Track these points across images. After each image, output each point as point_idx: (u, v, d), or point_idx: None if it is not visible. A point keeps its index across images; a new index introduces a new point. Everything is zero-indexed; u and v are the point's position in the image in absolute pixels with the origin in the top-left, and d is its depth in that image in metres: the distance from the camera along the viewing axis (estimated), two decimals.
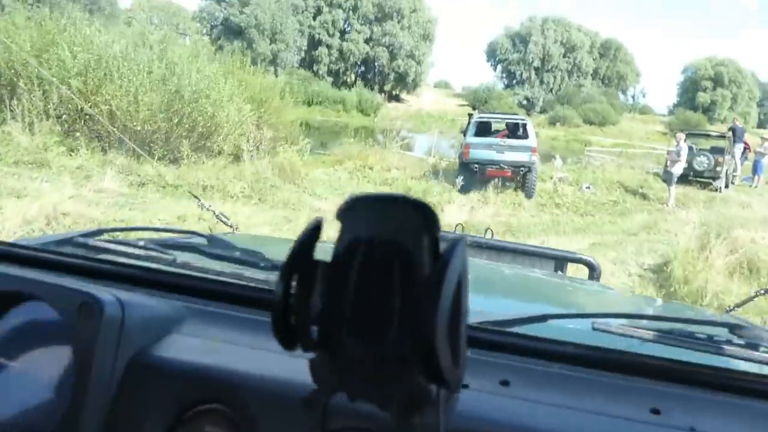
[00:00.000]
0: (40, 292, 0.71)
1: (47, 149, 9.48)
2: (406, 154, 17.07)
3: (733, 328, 1.04)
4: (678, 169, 12.96)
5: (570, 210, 12.33)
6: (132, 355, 0.71)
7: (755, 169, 16.69)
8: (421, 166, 14.36)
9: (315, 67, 51.70)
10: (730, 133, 15.51)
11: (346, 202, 0.42)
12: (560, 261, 2.40)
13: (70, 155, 9.72)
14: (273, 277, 0.97)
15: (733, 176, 15.97)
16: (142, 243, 1.16)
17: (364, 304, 0.41)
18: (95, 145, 10.25)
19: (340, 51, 51.53)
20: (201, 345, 0.75)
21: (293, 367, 0.62)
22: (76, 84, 9.90)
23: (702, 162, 14.78)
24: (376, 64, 53.07)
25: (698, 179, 15.14)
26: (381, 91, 53.44)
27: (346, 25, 52.22)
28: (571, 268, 2.58)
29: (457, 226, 3.02)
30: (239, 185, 10.06)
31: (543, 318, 0.98)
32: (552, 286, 1.86)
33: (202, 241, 1.29)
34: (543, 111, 55.31)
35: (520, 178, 12.32)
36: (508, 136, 12.74)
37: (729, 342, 0.92)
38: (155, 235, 1.46)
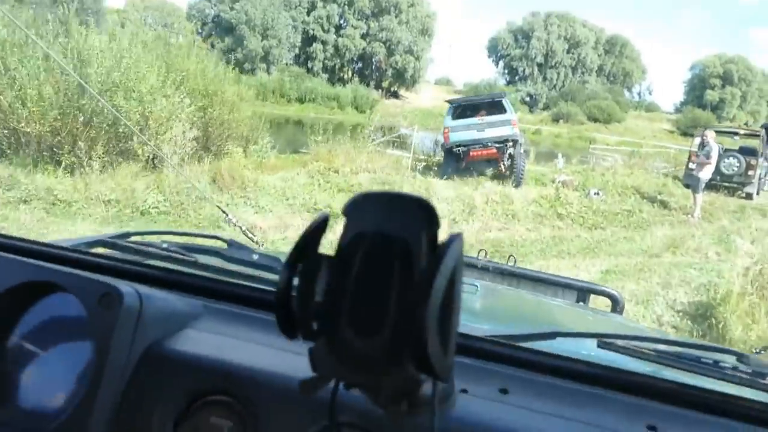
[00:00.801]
0: (65, 282, 0.74)
1: None
2: (387, 152, 14.82)
3: (741, 356, 1.02)
4: (707, 174, 10.58)
5: (575, 222, 10.00)
6: (147, 346, 0.72)
7: None
8: (398, 166, 12.07)
9: (310, 64, 49.44)
10: (763, 132, 13.08)
11: (352, 198, 0.43)
12: (582, 292, 2.28)
13: None
14: None
15: (765, 181, 13.61)
16: (165, 245, 1.18)
17: (364, 297, 0.42)
18: None
19: (336, 47, 49.21)
20: (213, 340, 0.76)
21: (301, 365, 0.61)
22: None
23: (731, 165, 12.41)
24: (373, 60, 50.71)
25: (725, 184, 12.79)
26: (378, 87, 51.13)
27: (341, 21, 49.86)
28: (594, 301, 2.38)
29: (480, 251, 2.56)
30: (153, 198, 7.81)
31: (551, 335, 0.98)
32: (570, 312, 1.80)
33: (222, 245, 1.31)
34: (546, 108, 53.18)
35: (507, 160, 11.73)
36: (487, 115, 12.03)
37: (735, 369, 0.92)
38: (179, 239, 1.47)
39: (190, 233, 1.74)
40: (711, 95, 55.50)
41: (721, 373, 0.89)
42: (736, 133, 14.60)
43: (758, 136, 13.09)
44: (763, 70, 59.51)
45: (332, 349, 0.43)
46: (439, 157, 13.85)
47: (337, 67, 50.26)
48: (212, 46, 47.74)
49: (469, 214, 9.51)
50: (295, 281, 0.44)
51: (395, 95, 52.14)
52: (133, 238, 1.27)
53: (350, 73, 51.58)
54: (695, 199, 10.92)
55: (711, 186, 12.77)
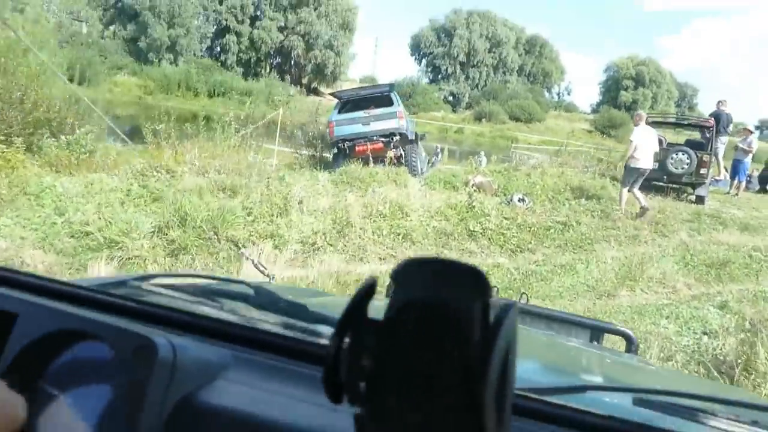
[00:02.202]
0: (100, 331, 0.71)
1: None
2: (267, 147, 11.38)
3: None
4: (644, 164, 8.25)
5: (494, 242, 6.93)
6: (179, 399, 0.69)
7: (735, 171, 11.89)
8: (263, 165, 8.65)
9: (223, 57, 45.02)
10: (713, 122, 10.56)
11: (401, 263, 0.41)
12: (596, 331, 2.17)
13: None
14: (318, 329, 0.96)
15: (714, 181, 11.14)
16: (191, 289, 1.15)
17: (414, 365, 0.39)
18: None
19: (251, 39, 44.98)
20: (246, 393, 0.72)
21: (336, 422, 0.62)
22: None
23: (680, 161, 9.76)
24: (292, 54, 46.80)
25: (673, 185, 10.16)
26: (298, 83, 47.30)
27: (257, 12, 45.62)
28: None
29: (522, 295, 2.52)
30: None
31: (582, 389, 0.94)
32: (589, 356, 1.69)
33: (248, 290, 1.21)
34: (469, 107, 51.02)
35: (396, 152, 10.26)
36: (375, 108, 10.74)
37: None
38: (203, 282, 1.41)
39: (214, 277, 1.54)
40: (625, 96, 55.20)
41: None
42: (680, 124, 12.04)
43: (708, 127, 10.54)
44: (671, 72, 60.33)
45: (379, 416, 0.40)
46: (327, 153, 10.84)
47: (252, 60, 46.05)
48: (114, 34, 42.60)
49: (340, 235, 6.24)
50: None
51: (316, 92, 48.48)
52: (157, 281, 1.21)
53: (268, 67, 47.47)
54: (639, 200, 8.34)
55: (657, 188, 10.11)
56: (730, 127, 11.07)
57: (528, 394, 0.79)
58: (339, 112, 10.83)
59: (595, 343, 2.14)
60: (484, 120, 45.60)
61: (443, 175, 9.62)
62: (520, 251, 6.82)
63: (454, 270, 0.39)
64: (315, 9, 45.71)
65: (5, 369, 0.71)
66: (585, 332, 2.16)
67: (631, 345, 2.13)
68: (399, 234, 6.52)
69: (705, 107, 58.92)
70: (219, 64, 43.72)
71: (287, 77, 46.94)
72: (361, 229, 6.41)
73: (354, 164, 9.28)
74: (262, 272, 2.33)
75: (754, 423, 0.86)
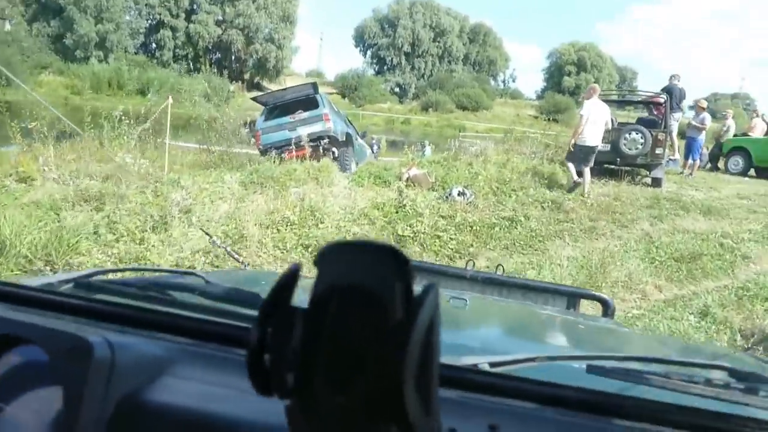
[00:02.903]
0: (31, 335, 0.69)
1: None
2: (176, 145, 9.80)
3: (733, 372, 0.97)
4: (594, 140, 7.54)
5: (428, 248, 5.64)
6: (121, 398, 0.67)
7: (689, 150, 10.96)
8: (150, 168, 7.13)
9: (159, 53, 42.42)
10: (666, 97, 9.58)
11: (322, 248, 0.41)
12: (572, 297, 2.15)
13: None
14: None
15: (670, 161, 10.16)
16: (140, 283, 1.09)
17: (338, 352, 0.39)
18: None
19: (187, 34, 42.53)
20: (193, 388, 0.70)
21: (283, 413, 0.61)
22: None
23: (634, 141, 8.69)
24: (232, 48, 44.53)
25: (626, 168, 9.13)
26: (239, 79, 45.12)
27: (192, 5, 43.12)
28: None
29: (468, 261, 2.42)
30: None
31: (536, 359, 0.92)
32: (559, 324, 1.68)
33: (199, 280, 1.19)
34: (416, 97, 49.93)
35: (325, 152, 9.43)
36: (304, 111, 9.88)
37: (727, 386, 0.86)
38: (153, 276, 1.39)
39: (163, 269, 1.64)
40: (568, 81, 55.17)
41: (714, 391, 0.82)
42: (629, 102, 11.00)
43: (661, 104, 9.55)
44: (611, 57, 60.88)
45: (308, 405, 0.40)
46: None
47: (190, 56, 43.56)
48: (39, 32, 39.42)
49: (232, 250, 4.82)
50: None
51: (258, 87, 46.37)
52: (103, 276, 1.18)
53: (207, 63, 45.04)
54: (584, 183, 7.35)
55: (610, 172, 9.07)
56: (683, 103, 10.14)
57: (488, 368, 0.81)
58: (265, 119, 9.97)
59: (572, 309, 2.10)
60: (431, 110, 44.66)
61: (375, 169, 8.29)
62: (460, 256, 5.57)
63: (374, 252, 0.39)
64: (254, 1, 43.56)
65: None
66: (562, 299, 2.12)
67: (607, 309, 2.08)
68: (308, 246, 5.14)
69: (646, 89, 59.76)
70: (155, 60, 41.16)
71: (228, 73, 44.70)
72: (259, 242, 5.02)
73: (268, 161, 7.86)
74: (236, 260, 2.28)
75: (708, 381, 0.84)
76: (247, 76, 46.49)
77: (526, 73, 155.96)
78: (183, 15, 42.51)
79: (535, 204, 7.24)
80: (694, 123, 10.79)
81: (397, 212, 6.16)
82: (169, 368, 0.72)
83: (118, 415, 0.64)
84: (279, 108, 10.17)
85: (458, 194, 7.14)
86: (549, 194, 7.61)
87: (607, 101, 11.07)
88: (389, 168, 8.20)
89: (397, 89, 51.91)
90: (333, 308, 0.39)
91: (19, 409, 0.68)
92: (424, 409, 0.37)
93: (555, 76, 57.74)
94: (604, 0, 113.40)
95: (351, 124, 12.98)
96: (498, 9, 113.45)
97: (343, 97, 47.29)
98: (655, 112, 10.40)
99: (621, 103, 11.78)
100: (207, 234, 2.72)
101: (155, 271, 1.72)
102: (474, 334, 1.33)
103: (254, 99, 11.57)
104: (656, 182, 8.94)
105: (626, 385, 0.84)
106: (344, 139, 10.07)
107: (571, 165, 7.77)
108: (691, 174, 10.82)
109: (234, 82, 42.80)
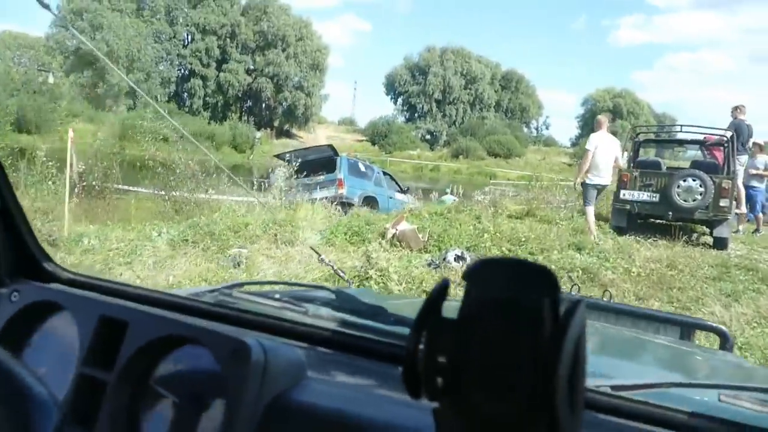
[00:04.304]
0: (200, 336, 0.73)
1: None
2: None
3: None
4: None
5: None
6: (271, 398, 0.70)
7: (750, 201, 8.82)
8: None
9: (189, 101, 42.46)
10: (729, 135, 7.55)
11: (473, 264, 0.43)
12: (687, 328, 2.04)
13: None
14: (396, 330, 0.96)
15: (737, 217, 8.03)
16: (277, 295, 1.18)
17: (491, 360, 0.41)
18: None
19: (218, 83, 42.52)
20: (332, 391, 0.73)
21: (418, 417, 0.62)
22: None
23: (690, 191, 6.72)
24: (262, 96, 44.34)
25: (679, 222, 7.12)
26: (269, 126, 44.75)
27: (223, 55, 43.28)
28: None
29: (573, 286, 2.54)
30: None
31: (665, 385, 0.89)
32: (676, 353, 1.61)
33: (330, 295, 1.26)
34: (447, 144, 48.60)
35: None
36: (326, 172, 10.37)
37: None
38: (288, 289, 1.47)
39: (297, 283, 1.78)
40: None
41: None
42: (679, 141, 9.02)
43: (721, 145, 7.59)
44: (648, 104, 58.67)
45: (458, 409, 0.41)
46: None
47: (220, 104, 43.49)
48: (74, 82, 40.07)
49: None
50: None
51: (288, 134, 45.91)
52: (246, 288, 1.23)
53: (239, 111, 44.93)
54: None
55: (659, 229, 7.08)
56: (750, 143, 8.07)
57: (609, 390, 0.78)
58: (288, 177, 9.58)
59: (686, 341, 1.98)
60: (461, 157, 43.15)
61: (356, 222, 6.53)
62: None
63: (524, 269, 0.40)
64: (284, 50, 43.53)
65: (120, 370, 0.73)
66: (675, 330, 2.01)
67: (725, 342, 1.96)
68: None
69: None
70: (185, 109, 41.18)
71: (258, 120, 44.44)
72: None
73: (216, 212, 6.23)
74: (342, 278, 2.51)
75: None
76: (276, 123, 46.09)
77: (561, 119, 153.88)
78: (214, 64, 42.66)
79: (560, 273, 5.31)
80: (752, 171, 8.60)
81: (358, 286, 4.35)
82: (310, 372, 0.75)
83: (269, 415, 0.67)
84: (301, 165, 9.81)
85: (455, 259, 5.29)
86: (579, 259, 5.68)
87: (647, 141, 9.19)
88: (372, 222, 6.41)
89: (428, 136, 50.76)
90: (486, 319, 0.40)
91: (186, 403, 0.71)
92: (574, 422, 0.38)
93: (590, 123, 55.53)
94: (642, 49, 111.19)
95: (393, 179, 12.77)
96: (531, 57, 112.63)
97: (373, 144, 46.36)
98: (707, 155, 8.46)
99: (677, 143, 9.78)
100: (316, 252, 2.91)
101: (290, 284, 1.79)
102: (591, 357, 1.03)
103: (277, 156, 11.60)
104: (720, 243, 6.88)
105: (762, 417, 0.80)
106: (360, 202, 10.06)
107: (590, 210, 6.74)
108: (757, 230, 8.68)
109: (263, 129, 42.37)
